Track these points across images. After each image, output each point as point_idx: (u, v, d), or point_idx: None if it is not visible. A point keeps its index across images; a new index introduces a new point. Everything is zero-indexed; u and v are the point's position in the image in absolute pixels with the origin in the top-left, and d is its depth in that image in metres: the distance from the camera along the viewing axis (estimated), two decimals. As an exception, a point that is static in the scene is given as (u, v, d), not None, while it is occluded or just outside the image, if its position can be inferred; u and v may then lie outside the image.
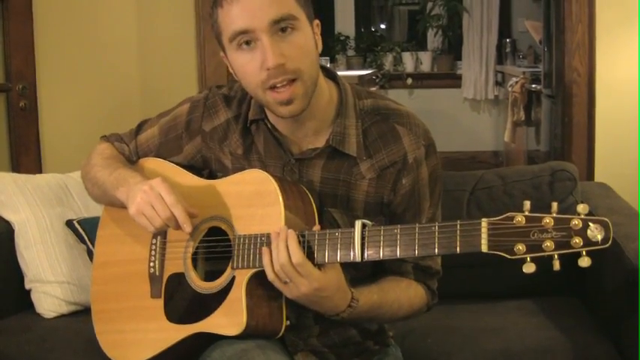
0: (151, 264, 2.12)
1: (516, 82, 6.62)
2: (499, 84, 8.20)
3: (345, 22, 8.63)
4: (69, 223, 2.99)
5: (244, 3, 1.85)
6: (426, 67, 8.55)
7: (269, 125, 2.06)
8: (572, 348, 2.54)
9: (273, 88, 1.89)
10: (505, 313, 2.83)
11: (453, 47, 8.59)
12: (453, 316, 2.73)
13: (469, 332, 2.69)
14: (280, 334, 1.96)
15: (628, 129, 3.68)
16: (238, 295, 1.91)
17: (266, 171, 2.04)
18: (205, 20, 3.89)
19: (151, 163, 2.26)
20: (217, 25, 1.94)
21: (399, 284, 2.08)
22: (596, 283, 2.73)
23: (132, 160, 2.29)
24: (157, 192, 1.97)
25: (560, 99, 3.97)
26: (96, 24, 3.98)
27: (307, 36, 1.92)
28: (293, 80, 1.89)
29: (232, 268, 1.95)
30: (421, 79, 8.50)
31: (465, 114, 8.45)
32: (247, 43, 1.89)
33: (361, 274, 2.08)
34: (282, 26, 1.86)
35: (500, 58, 8.26)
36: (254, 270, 1.91)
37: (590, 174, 3.71)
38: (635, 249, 2.49)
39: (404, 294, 2.07)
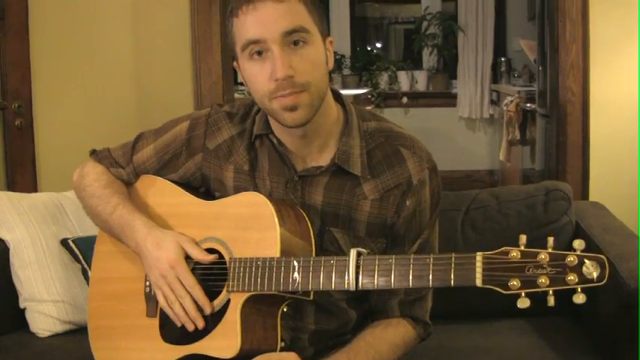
0: (147, 283, 2.12)
1: (511, 101, 6.63)
2: (494, 103, 8.20)
3: (341, 40, 8.64)
4: (64, 242, 2.99)
5: (259, 13, 1.87)
6: (421, 85, 8.56)
7: (274, 140, 2.07)
8: (567, 368, 2.55)
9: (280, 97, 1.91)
10: (499, 333, 2.84)
11: (449, 66, 8.60)
12: (446, 335, 2.72)
13: (463, 352, 2.69)
14: (275, 355, 1.97)
15: (622, 148, 3.69)
16: (233, 318, 1.92)
17: (268, 186, 2.07)
18: (201, 39, 3.90)
19: (149, 181, 2.26)
20: (232, 35, 1.96)
21: (373, 332, 2.07)
22: (590, 302, 2.72)
23: (131, 182, 2.28)
24: (174, 275, 2.00)
25: (554, 118, 3.97)
26: (92, 43, 3.99)
27: (318, 50, 1.95)
28: (300, 92, 1.90)
29: (228, 290, 1.95)
30: (416, 98, 8.50)
31: (460, 133, 8.46)
32: (259, 53, 1.90)
33: (356, 295, 2.10)
34: (294, 39, 1.89)
35: (496, 77, 8.27)
36: (249, 293, 1.91)
37: (584, 193, 3.71)
38: (630, 269, 2.50)
39: (379, 339, 2.06)
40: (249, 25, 1.89)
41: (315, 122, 1.97)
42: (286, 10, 1.88)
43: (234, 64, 2.04)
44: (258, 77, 1.92)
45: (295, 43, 1.89)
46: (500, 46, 8.35)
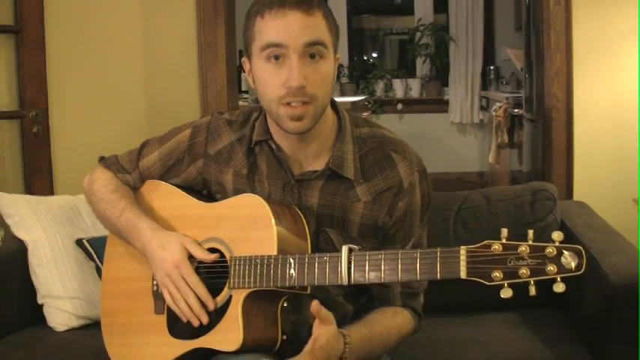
0: (154, 282, 2.12)
1: (500, 107, 6.62)
2: (484, 108, 8.20)
3: (339, 51, 8.60)
4: (79, 242, 2.99)
5: (287, 20, 1.88)
6: (415, 93, 8.55)
7: (273, 146, 2.07)
8: (553, 358, 2.54)
9: (287, 103, 1.91)
10: (489, 325, 2.83)
11: (441, 74, 8.59)
12: (439, 328, 2.72)
13: (455, 343, 2.69)
14: (276, 347, 1.97)
15: (605, 151, 3.69)
16: (235, 313, 1.92)
17: (267, 189, 2.07)
18: (207, 50, 3.90)
19: (153, 186, 2.27)
20: (252, 32, 1.95)
21: (385, 314, 2.08)
22: (575, 296, 2.73)
23: (137, 187, 2.29)
24: (179, 274, 2.00)
25: (540, 123, 3.97)
26: (104, 54, 3.99)
27: (330, 66, 1.97)
28: (307, 103, 1.91)
29: (229, 287, 1.95)
30: (411, 105, 8.50)
31: (452, 137, 8.44)
32: (276, 57, 1.90)
33: (352, 290, 2.11)
34: (312, 51, 1.90)
35: (485, 84, 8.27)
36: (249, 290, 1.92)
37: (569, 193, 3.70)
38: (611, 264, 2.50)
39: (391, 323, 2.07)
40: (274, 29, 1.89)
41: (313, 130, 1.97)
42: (312, 22, 1.90)
43: (243, 59, 2.04)
44: (271, 80, 1.93)
45: (312, 55, 1.90)
46: (489, 55, 8.35)
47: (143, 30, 3.99)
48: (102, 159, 2.36)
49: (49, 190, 3.90)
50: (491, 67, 8.17)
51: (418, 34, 8.45)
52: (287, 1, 1.89)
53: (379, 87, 8.52)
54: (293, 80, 1.88)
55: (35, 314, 2.96)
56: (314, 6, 1.90)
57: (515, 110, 6.14)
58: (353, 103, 7.19)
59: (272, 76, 1.92)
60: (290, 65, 1.89)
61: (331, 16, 1.97)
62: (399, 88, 8.55)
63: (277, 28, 1.89)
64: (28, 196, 3.17)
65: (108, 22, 3.99)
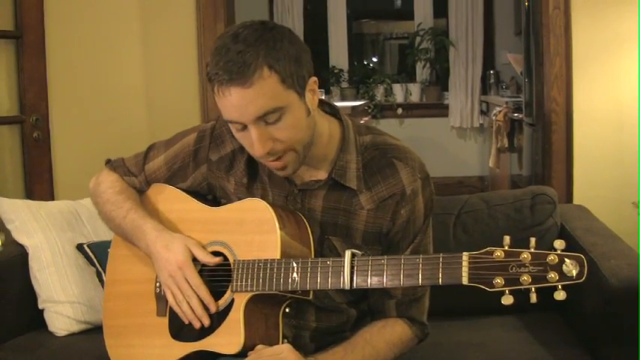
0: (157, 284, 2.13)
1: (500, 111, 6.62)
2: (484, 113, 8.21)
3: (339, 55, 8.64)
4: (79, 247, 3.00)
5: (230, 100, 1.81)
6: (415, 97, 8.56)
7: None
8: (553, 361, 2.55)
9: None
10: (489, 329, 2.83)
11: (440, 79, 8.60)
12: (440, 331, 2.71)
13: (456, 347, 2.69)
14: (277, 351, 1.97)
15: (604, 154, 3.70)
16: (237, 316, 1.93)
17: (270, 199, 2.06)
18: (207, 55, 3.90)
19: (159, 189, 2.28)
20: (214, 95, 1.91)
21: (371, 330, 2.08)
22: (575, 299, 2.73)
23: (143, 190, 2.30)
24: (182, 275, 2.01)
25: (540, 127, 3.98)
26: (105, 59, 4.01)
27: (297, 113, 1.88)
28: (283, 155, 1.91)
29: (232, 290, 1.96)
30: (411, 109, 8.51)
31: (452, 141, 8.46)
32: (240, 126, 1.88)
33: (356, 297, 2.12)
34: (267, 120, 1.84)
35: (485, 89, 8.28)
36: (252, 293, 1.92)
37: (569, 197, 3.71)
38: (611, 267, 2.50)
39: (376, 337, 2.06)
40: (225, 107, 1.85)
41: (307, 154, 1.98)
42: (254, 94, 1.80)
43: None
44: (244, 142, 1.93)
45: (268, 121, 1.84)
46: (489, 60, 8.36)
47: (143, 35, 4.01)
48: (108, 161, 2.37)
49: (49, 195, 3.91)
50: (491, 72, 8.19)
51: (418, 39, 8.47)
52: (225, 78, 1.80)
53: (379, 91, 8.54)
54: (256, 151, 1.87)
55: (36, 319, 2.96)
56: (253, 71, 1.79)
57: (515, 114, 6.15)
58: (353, 107, 7.20)
59: (243, 139, 1.92)
60: (251, 135, 1.86)
61: (282, 61, 1.82)
62: (399, 92, 8.56)
63: (227, 107, 1.84)
64: (29, 201, 3.17)
65: (108, 27, 4.00)
